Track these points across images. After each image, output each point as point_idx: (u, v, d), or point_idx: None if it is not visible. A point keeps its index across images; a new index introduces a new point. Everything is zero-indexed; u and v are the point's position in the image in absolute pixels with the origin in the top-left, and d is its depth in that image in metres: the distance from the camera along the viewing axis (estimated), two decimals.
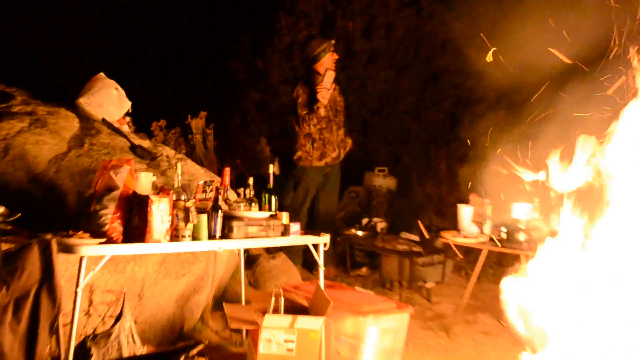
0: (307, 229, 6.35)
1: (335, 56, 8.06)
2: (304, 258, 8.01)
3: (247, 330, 5.75)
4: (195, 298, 6.27)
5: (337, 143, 8.16)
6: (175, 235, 5.03)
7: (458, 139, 11.30)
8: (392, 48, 11.38)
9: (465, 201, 7.40)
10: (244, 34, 11.68)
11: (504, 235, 6.86)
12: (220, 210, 5.30)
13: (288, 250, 7.61)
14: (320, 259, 5.98)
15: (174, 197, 5.08)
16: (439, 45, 11.64)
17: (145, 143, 6.82)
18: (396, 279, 8.26)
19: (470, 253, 8.31)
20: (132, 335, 4.99)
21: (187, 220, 5.05)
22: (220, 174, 6.20)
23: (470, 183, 7.97)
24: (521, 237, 6.69)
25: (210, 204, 5.34)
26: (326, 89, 7.87)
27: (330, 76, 7.89)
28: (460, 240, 7.10)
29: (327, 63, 7.98)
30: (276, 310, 5.57)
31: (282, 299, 5.67)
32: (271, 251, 7.51)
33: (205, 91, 11.83)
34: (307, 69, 8.11)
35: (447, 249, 8.44)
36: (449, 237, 7.22)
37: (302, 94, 7.99)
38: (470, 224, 7.12)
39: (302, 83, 8.02)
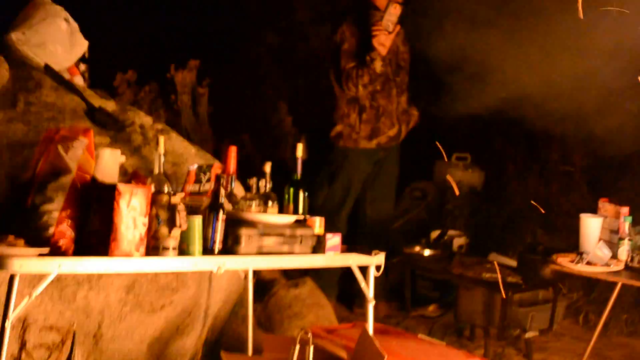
0: (350, 244, 6.30)
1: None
2: (341, 288, 7.91)
3: None
4: (179, 342, 6.24)
5: (397, 115, 8.08)
6: (153, 246, 4.99)
7: (579, 112, 11.25)
8: None
9: (592, 209, 7.30)
10: None
11: None
12: (222, 211, 5.27)
13: (319, 276, 7.52)
14: (369, 289, 5.96)
15: (154, 189, 5.05)
16: None
17: (109, 105, 6.72)
18: (480, 323, 8.19)
19: (595, 288, 8.27)
20: None
21: (172, 224, 5.00)
22: (218, 155, 6.11)
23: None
24: None
25: (207, 200, 5.32)
26: (387, 32, 7.76)
27: (394, 12, 7.74)
28: (582, 269, 7.03)
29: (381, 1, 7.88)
30: None
31: (311, 349, 5.68)
32: (293, 276, 7.40)
33: (197, 30, 11.67)
34: (356, 1, 8.02)
35: (559, 281, 8.40)
36: (563, 263, 7.13)
37: (349, 37, 7.87)
38: (600, 244, 7.05)
39: (350, 21, 7.91)
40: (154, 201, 4.93)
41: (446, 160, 9.78)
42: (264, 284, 7.34)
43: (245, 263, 5.49)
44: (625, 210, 7.19)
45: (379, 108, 7.92)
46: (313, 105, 8.59)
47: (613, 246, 7.07)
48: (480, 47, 10.98)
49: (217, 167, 5.50)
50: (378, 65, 7.73)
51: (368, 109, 7.87)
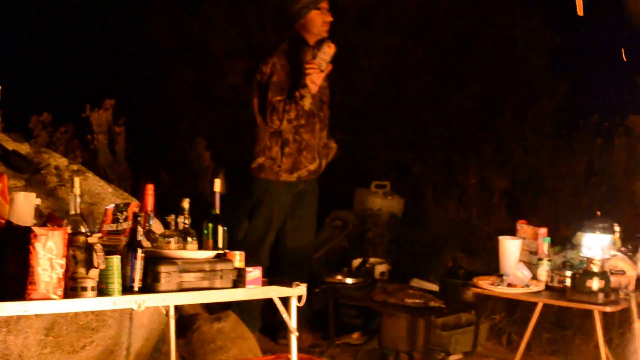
0: (271, 276, 6.29)
1: (328, 17, 7.87)
2: (264, 320, 7.87)
3: None
4: None
5: (318, 149, 8.06)
6: (72, 287, 4.95)
7: (497, 137, 11.38)
8: (396, 2, 11.42)
9: (511, 231, 7.36)
10: None
11: (567, 282, 6.86)
12: (140, 249, 5.23)
13: (241, 309, 7.48)
14: (291, 320, 5.97)
15: (70, 230, 5.01)
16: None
17: (24, 147, 6.66)
18: (404, 348, 8.22)
19: (517, 309, 8.32)
20: None
21: (89, 264, 4.96)
22: (137, 193, 6.07)
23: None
24: (594, 284, 6.70)
25: (124, 239, 5.28)
26: (319, 71, 7.70)
27: (328, 52, 7.65)
28: (503, 290, 7.07)
29: (315, 27, 7.86)
30: None
31: None
32: (216, 310, 7.37)
33: (112, 69, 11.56)
34: (288, 35, 7.99)
35: (481, 303, 8.45)
36: (484, 286, 7.17)
37: (279, 69, 7.76)
38: (519, 265, 7.09)
39: (281, 54, 7.86)
40: (70, 242, 4.88)
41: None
42: (186, 318, 7.29)
43: (166, 300, 5.44)
44: (543, 231, 7.25)
45: (302, 142, 7.91)
46: (231, 139, 8.54)
47: (533, 267, 7.11)
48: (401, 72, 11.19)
49: (134, 206, 5.48)
50: (307, 103, 7.69)
51: (291, 143, 7.86)
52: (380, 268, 8.85)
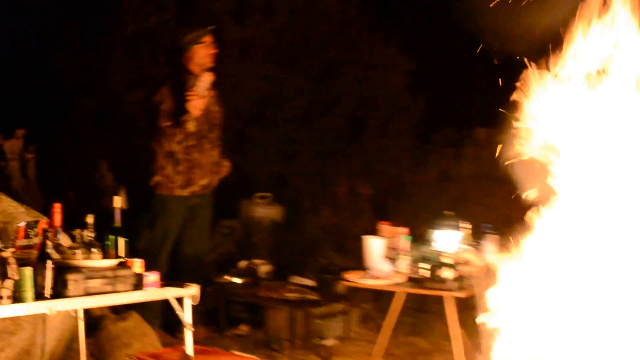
0: (169, 279, 6.30)
1: (212, 50, 7.88)
2: (163, 317, 7.85)
3: None
4: None
5: (209, 167, 8.07)
6: None
7: (362, 151, 11.44)
8: (272, 36, 11.41)
9: (374, 232, 7.41)
10: (72, 21, 11.37)
11: (425, 273, 6.94)
12: (50, 260, 5.21)
13: (142, 308, 7.45)
14: (186, 316, 5.98)
15: None
16: (335, 30, 11.74)
17: None
18: (286, 337, 8.26)
19: (382, 298, 8.39)
20: None
21: (4, 276, 4.93)
22: (47, 212, 6.02)
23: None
24: (447, 274, 6.78)
25: (36, 252, 5.25)
26: (200, 96, 7.73)
27: (205, 79, 7.69)
28: (369, 282, 7.13)
29: (199, 59, 7.86)
30: None
31: None
32: (120, 311, 7.33)
33: (22, 101, 11.32)
34: (175, 67, 7.99)
35: (351, 295, 8.52)
36: (353, 280, 7.22)
37: (167, 98, 7.73)
38: (381, 260, 7.15)
39: (169, 84, 7.86)
40: None
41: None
42: (94, 319, 7.24)
43: (74, 304, 5.43)
44: (403, 230, 7.34)
45: (193, 161, 7.90)
46: (131, 161, 8.49)
47: (395, 262, 7.18)
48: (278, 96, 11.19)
49: (43, 223, 5.45)
50: (191, 126, 7.70)
51: (182, 162, 7.85)
52: (264, 268, 8.88)
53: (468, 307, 6.53)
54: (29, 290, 5.05)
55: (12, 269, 4.92)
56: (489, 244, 7.19)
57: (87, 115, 10.73)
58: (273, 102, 11.09)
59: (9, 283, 4.90)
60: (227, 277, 8.64)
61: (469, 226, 7.26)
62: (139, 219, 7.97)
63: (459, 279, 6.81)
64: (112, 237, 5.80)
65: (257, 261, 8.81)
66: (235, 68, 10.76)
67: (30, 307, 5.09)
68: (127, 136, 8.39)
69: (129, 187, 7.96)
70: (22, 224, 5.49)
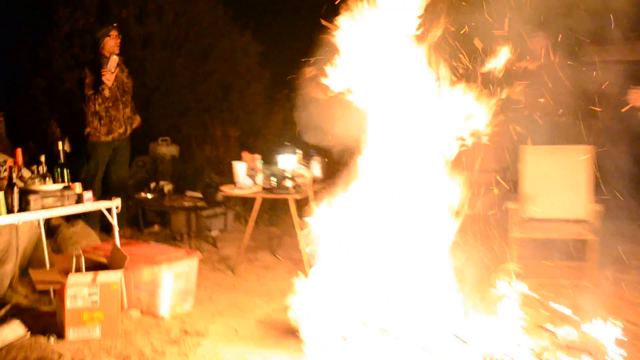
0: (102, 197, 6.32)
1: (117, 40, 7.87)
2: (101, 223, 7.83)
3: (54, 290, 5.67)
4: (2, 269, 6.07)
5: (123, 120, 8.07)
6: None
7: (230, 107, 11.58)
8: (164, 31, 11.36)
9: (239, 159, 7.49)
10: (25, 26, 11.11)
11: (274, 184, 7.06)
12: (15, 187, 5.23)
13: (86, 217, 7.46)
14: (114, 220, 6.07)
15: None
16: (208, 25, 11.78)
17: None
18: (185, 231, 8.39)
19: (247, 202, 8.51)
20: None
21: None
22: (13, 156, 5.97)
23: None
24: (288, 184, 6.94)
25: (5, 182, 5.24)
26: (110, 72, 7.74)
27: (113, 60, 7.72)
28: (237, 192, 7.27)
29: (109, 47, 7.84)
30: (78, 270, 5.59)
31: (83, 259, 5.69)
32: (70, 219, 7.30)
33: None
34: (94, 53, 7.95)
35: (227, 201, 8.66)
36: (227, 191, 7.33)
37: (89, 75, 7.81)
38: (245, 177, 7.28)
39: (89, 66, 7.86)
40: None
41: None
42: (53, 227, 7.22)
43: (35, 215, 5.45)
44: (258, 156, 7.44)
45: (111, 116, 7.91)
46: (72, 119, 8.40)
47: (254, 178, 7.26)
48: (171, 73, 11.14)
49: (10, 162, 5.42)
50: (106, 92, 7.71)
51: (104, 117, 7.86)
52: (167, 187, 8.90)
53: (303, 205, 6.69)
54: (2, 208, 5.06)
55: None
56: (315, 163, 7.39)
57: (40, 89, 10.54)
58: (167, 76, 11.06)
59: None
60: (142, 194, 8.71)
61: (301, 152, 7.40)
62: (78, 157, 7.93)
63: (296, 186, 6.97)
64: (58, 169, 5.80)
65: (162, 182, 8.90)
66: (140, 54, 10.73)
67: (3, 219, 5.12)
68: (68, 102, 8.34)
69: (71, 137, 7.89)
70: None
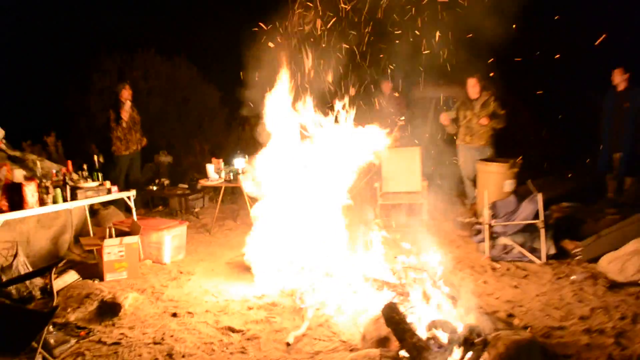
0: (125, 190, 6.22)
1: (130, 91, 7.72)
2: (125, 206, 7.68)
3: (97, 250, 5.62)
4: (63, 237, 6.00)
5: (135, 141, 7.93)
6: (42, 202, 4.82)
7: (203, 131, 11.22)
8: (160, 85, 11.10)
9: (211, 162, 7.42)
10: (71, 84, 10.77)
11: (232, 177, 7.05)
12: (67, 185, 5.17)
13: (114, 204, 7.29)
14: (132, 204, 6.00)
15: (38, 182, 4.85)
16: (185, 85, 11.46)
17: (17, 153, 6.20)
18: (178, 209, 8.30)
19: (217, 189, 8.46)
20: (26, 265, 4.76)
21: (48, 193, 4.86)
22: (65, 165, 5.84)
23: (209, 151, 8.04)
24: (241, 177, 6.92)
25: (61, 182, 5.17)
26: (126, 112, 7.65)
27: (127, 105, 7.65)
28: (209, 183, 7.20)
29: (125, 96, 7.69)
30: (111, 236, 5.54)
31: (113, 230, 5.65)
32: (105, 205, 7.17)
33: (53, 116, 10.50)
34: (115, 100, 7.78)
35: (204, 189, 8.58)
36: (203, 182, 7.28)
37: (112, 113, 7.70)
38: (214, 173, 7.26)
39: (112, 108, 7.73)
40: (39, 186, 4.77)
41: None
42: (94, 210, 7.08)
43: (81, 203, 5.36)
44: (221, 160, 7.34)
45: (128, 139, 7.80)
46: (104, 141, 8.13)
47: (220, 173, 7.19)
48: None
49: (63, 170, 5.35)
50: (124, 124, 7.66)
51: (123, 140, 7.77)
52: (166, 182, 8.69)
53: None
54: (60, 198, 4.99)
55: (51, 189, 4.85)
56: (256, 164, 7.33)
57: (83, 123, 10.22)
58: (163, 113, 10.85)
59: (50, 196, 4.84)
60: (150, 187, 8.52)
61: (247, 157, 7.33)
62: (109, 166, 7.72)
63: (244, 179, 6.93)
64: (95, 173, 5.72)
65: (163, 179, 8.73)
66: (145, 99, 10.48)
67: (62, 206, 5.05)
68: (100, 132, 8.09)
69: (103, 153, 7.65)
70: (54, 171, 5.38)
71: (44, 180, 4.94)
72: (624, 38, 7.92)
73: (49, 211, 5.05)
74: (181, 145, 10.59)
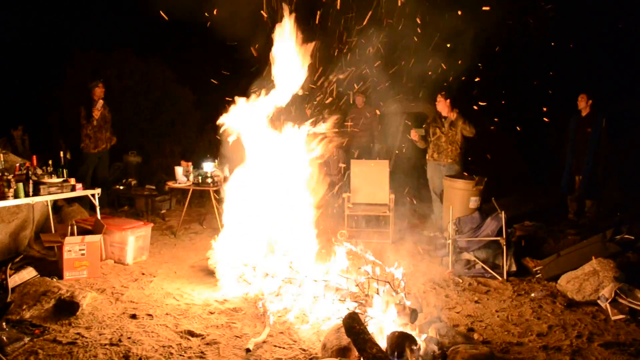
0: (90, 188, 6.05)
1: (102, 89, 7.55)
2: (90, 205, 7.50)
3: (57, 247, 5.45)
4: (23, 233, 5.83)
5: (105, 139, 7.75)
6: (3, 196, 4.66)
7: (175, 133, 11.07)
8: (134, 85, 10.88)
9: (180, 164, 7.32)
10: (44, 76, 10.45)
11: (200, 180, 6.96)
12: (30, 180, 5.01)
13: (79, 201, 7.12)
14: (96, 202, 5.86)
15: (0, 174, 4.70)
16: (161, 85, 11.26)
17: None
18: (144, 210, 8.11)
19: (184, 192, 8.32)
20: None
21: (9, 186, 4.70)
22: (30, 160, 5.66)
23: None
24: (209, 180, 6.87)
25: (24, 177, 5.01)
26: (97, 110, 7.49)
27: (99, 103, 7.48)
28: (177, 185, 7.11)
29: (97, 94, 7.53)
30: (73, 234, 5.39)
31: (76, 227, 5.50)
32: (69, 202, 6.98)
33: (22, 110, 10.17)
34: (87, 97, 7.59)
35: (171, 191, 8.44)
36: (171, 184, 7.18)
37: (83, 111, 7.51)
38: (182, 176, 7.15)
39: (84, 105, 7.54)
40: (0, 179, 4.61)
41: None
42: (58, 206, 6.88)
43: (43, 198, 5.22)
44: (190, 163, 7.21)
45: (97, 137, 7.62)
46: (73, 138, 7.89)
47: (188, 176, 7.10)
48: None
49: (27, 164, 5.17)
50: (94, 122, 7.49)
51: (92, 137, 7.59)
52: (133, 182, 8.45)
53: (218, 194, 6.61)
54: (22, 193, 4.84)
55: (12, 183, 4.69)
56: (225, 168, 7.25)
57: (53, 118, 9.88)
58: (135, 113, 10.64)
59: (12, 190, 4.68)
60: (117, 187, 8.32)
61: (216, 161, 7.24)
62: (76, 163, 7.53)
63: (213, 182, 6.88)
64: (60, 169, 5.58)
65: (130, 179, 8.51)
66: (118, 98, 10.16)
67: (22, 200, 4.90)
68: (72, 128, 7.82)
69: (71, 149, 7.45)
70: (17, 164, 5.20)
71: (6, 174, 4.77)
72: (589, 62, 8.12)
73: (9, 205, 4.88)
74: (151, 146, 10.40)
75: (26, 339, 3.70)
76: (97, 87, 7.54)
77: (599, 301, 4.45)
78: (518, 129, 8.18)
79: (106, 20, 11.70)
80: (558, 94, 8.24)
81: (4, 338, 3.60)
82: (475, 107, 7.15)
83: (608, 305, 4.31)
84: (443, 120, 6.89)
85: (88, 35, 11.18)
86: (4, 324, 3.81)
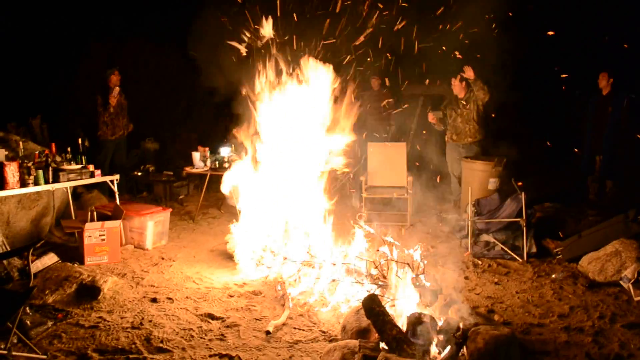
0: (108, 174, 6.07)
1: (118, 77, 7.58)
2: (109, 191, 7.56)
3: (78, 233, 5.48)
4: (44, 219, 5.87)
5: (122, 126, 7.77)
6: (23, 183, 4.69)
7: (192, 120, 11.12)
8: (150, 73, 10.89)
9: (197, 150, 7.31)
10: (60, 67, 10.49)
11: (217, 165, 6.97)
12: (50, 167, 5.03)
13: (98, 188, 7.16)
14: (115, 188, 5.88)
15: (20, 162, 4.72)
16: (174, 71, 11.26)
17: (0, 134, 6.05)
18: (162, 196, 8.18)
19: (202, 177, 8.34)
20: (4, 245, 4.66)
21: (29, 174, 4.73)
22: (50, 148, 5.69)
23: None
24: (226, 165, 6.86)
25: (43, 164, 5.04)
26: (113, 97, 7.49)
27: (115, 90, 7.48)
28: (195, 170, 7.13)
29: (114, 82, 7.54)
30: (92, 220, 5.43)
31: (95, 213, 5.54)
32: (89, 188, 7.04)
33: (40, 99, 10.24)
34: (104, 85, 7.60)
35: (189, 176, 8.46)
36: (189, 170, 7.20)
37: (100, 99, 7.52)
38: (199, 161, 7.16)
39: (100, 93, 7.55)
40: (20, 166, 4.65)
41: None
42: (77, 193, 6.95)
43: (63, 184, 5.24)
44: (207, 149, 7.20)
45: (114, 124, 7.64)
46: (91, 125, 7.91)
47: (205, 161, 7.11)
48: None
49: (47, 151, 5.20)
50: (111, 109, 7.50)
51: (109, 125, 7.60)
52: (152, 168, 8.63)
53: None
54: (42, 180, 4.88)
55: (32, 170, 4.72)
56: (243, 153, 7.23)
57: (71, 106, 9.90)
58: (151, 100, 10.59)
59: (32, 177, 4.72)
60: (136, 173, 8.40)
61: (233, 146, 7.24)
62: (94, 150, 7.56)
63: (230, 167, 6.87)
64: (79, 156, 5.59)
65: (148, 165, 8.59)
66: (134, 86, 10.07)
67: (44, 187, 4.94)
68: (88, 116, 7.85)
69: (89, 137, 7.51)
70: (37, 152, 5.23)
71: (26, 161, 4.80)
72: (612, 42, 7.91)
73: (29, 192, 4.93)
74: (168, 133, 10.41)
75: (49, 323, 3.75)
76: (113, 75, 7.54)
77: (621, 282, 4.38)
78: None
79: (122, 9, 11.67)
80: (576, 73, 8.04)
81: (28, 322, 3.64)
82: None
83: (631, 286, 4.24)
84: (460, 101, 6.80)
85: (104, 24, 11.17)
86: (27, 308, 3.86)
